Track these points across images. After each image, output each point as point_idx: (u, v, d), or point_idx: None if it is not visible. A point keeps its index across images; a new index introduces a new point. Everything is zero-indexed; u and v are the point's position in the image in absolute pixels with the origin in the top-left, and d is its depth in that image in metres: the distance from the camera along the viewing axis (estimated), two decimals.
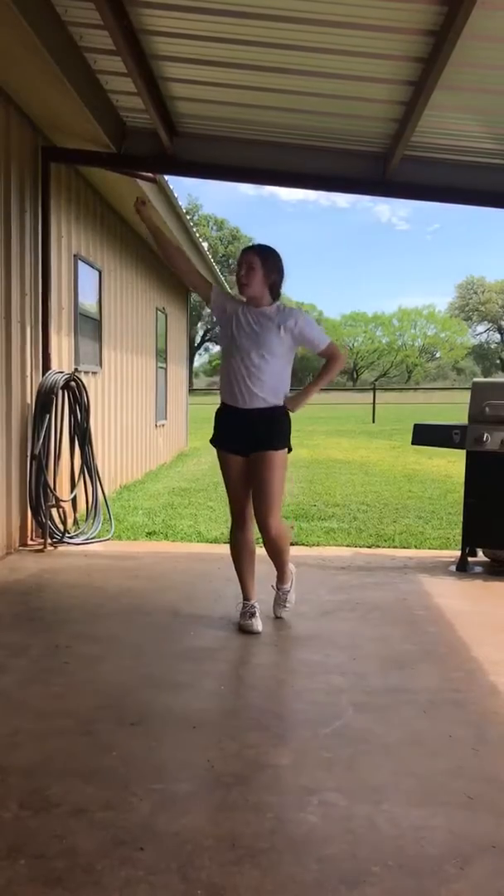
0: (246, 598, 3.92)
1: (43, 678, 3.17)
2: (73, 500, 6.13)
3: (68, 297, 6.64)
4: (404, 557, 5.57)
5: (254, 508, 3.82)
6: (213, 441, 3.92)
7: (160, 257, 3.98)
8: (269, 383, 3.73)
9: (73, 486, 6.14)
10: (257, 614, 3.87)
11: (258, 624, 3.83)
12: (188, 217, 9.38)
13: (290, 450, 3.85)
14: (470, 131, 5.07)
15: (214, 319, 4.03)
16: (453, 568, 5.23)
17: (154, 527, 6.51)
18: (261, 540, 3.89)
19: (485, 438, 5.02)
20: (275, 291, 3.81)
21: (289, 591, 4.08)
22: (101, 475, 6.43)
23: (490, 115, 4.80)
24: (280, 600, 4.07)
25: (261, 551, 3.94)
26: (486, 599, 4.56)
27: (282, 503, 3.91)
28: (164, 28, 4.19)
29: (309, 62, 4.33)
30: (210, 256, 11.71)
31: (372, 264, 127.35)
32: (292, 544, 5.40)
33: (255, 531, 3.94)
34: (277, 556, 3.96)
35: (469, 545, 5.29)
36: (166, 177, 7.28)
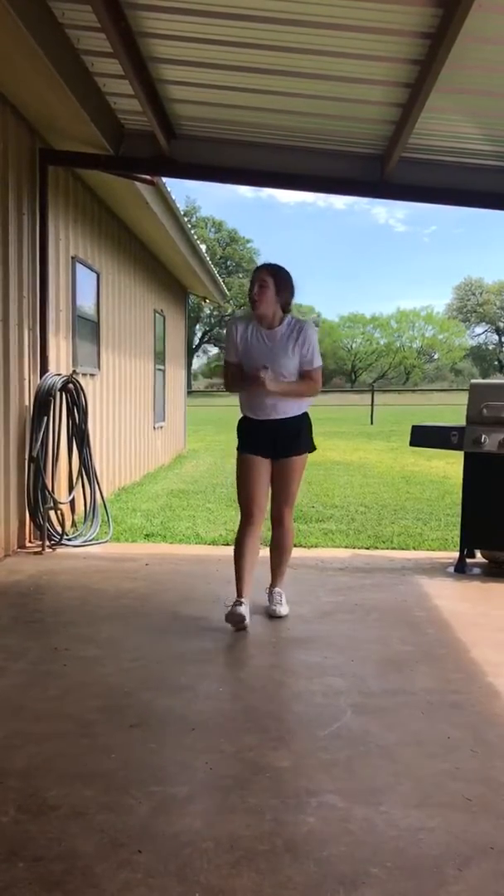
0: (239, 595, 3.91)
1: (41, 681, 3.17)
2: (72, 502, 6.13)
3: (66, 300, 6.64)
4: (403, 559, 5.57)
5: (272, 504, 4.05)
6: (242, 449, 4.04)
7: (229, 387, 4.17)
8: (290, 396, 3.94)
9: (71, 488, 6.14)
10: (246, 604, 3.85)
11: (245, 610, 3.81)
12: (186, 219, 9.39)
13: (314, 448, 4.15)
14: (467, 133, 5.08)
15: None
16: (452, 569, 5.24)
17: (152, 529, 6.51)
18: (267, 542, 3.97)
19: (483, 440, 5.03)
20: (286, 309, 3.98)
21: (283, 594, 4.13)
22: (99, 477, 6.43)
23: (487, 116, 4.81)
24: (275, 599, 4.09)
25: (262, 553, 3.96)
26: (484, 601, 4.56)
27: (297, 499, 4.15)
28: (162, 31, 4.20)
29: (306, 64, 4.34)
30: (208, 258, 11.72)
31: (370, 266, 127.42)
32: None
33: (262, 535, 4.09)
34: (284, 551, 4.12)
35: (467, 547, 5.29)
36: (164, 179, 7.29)
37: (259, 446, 3.99)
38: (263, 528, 4.12)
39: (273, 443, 3.97)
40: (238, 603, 3.86)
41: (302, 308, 63.73)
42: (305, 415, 4.07)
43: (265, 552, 4.23)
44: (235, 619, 3.79)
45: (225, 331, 4.26)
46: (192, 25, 4.07)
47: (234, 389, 4.09)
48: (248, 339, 3.95)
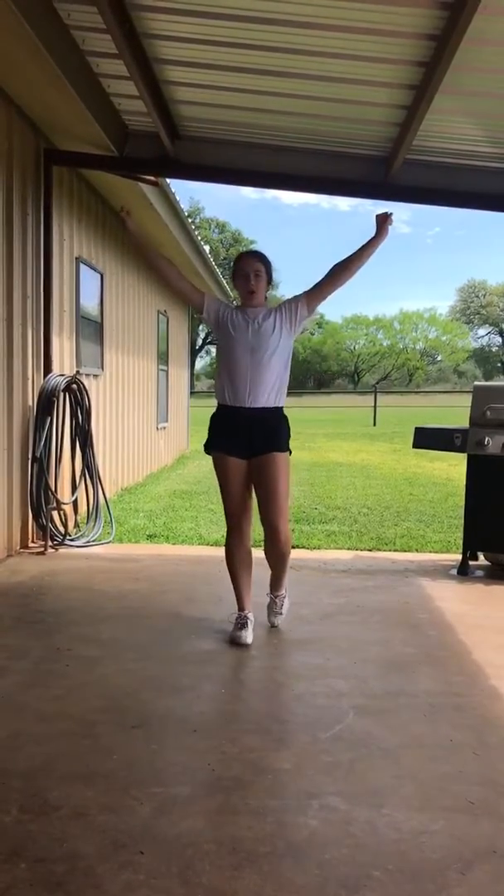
0: (240, 608, 3.82)
1: (44, 681, 3.17)
2: (75, 503, 6.13)
3: (70, 300, 6.64)
4: (405, 561, 5.57)
5: (261, 512, 3.74)
6: (210, 446, 3.79)
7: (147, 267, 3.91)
8: (271, 382, 3.70)
9: (74, 488, 6.14)
10: (249, 626, 3.74)
11: (248, 636, 3.70)
12: (190, 220, 9.39)
13: (290, 451, 3.80)
14: (471, 135, 5.08)
15: (209, 327, 3.95)
16: (454, 571, 5.23)
17: (155, 529, 6.51)
18: (260, 545, 3.85)
19: (486, 442, 5.02)
20: (266, 297, 3.86)
21: (284, 598, 3.98)
22: (102, 478, 6.43)
23: (491, 118, 4.81)
24: (275, 607, 3.97)
25: (258, 555, 3.89)
26: (486, 603, 4.56)
27: (289, 507, 3.86)
28: (167, 32, 4.20)
29: (311, 66, 4.34)
30: (211, 259, 11.72)
31: (373, 267, 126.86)
32: (293, 547, 5.41)
33: (252, 539, 3.90)
34: (282, 562, 3.86)
35: (470, 549, 5.28)
36: (168, 180, 7.29)
37: (233, 443, 3.70)
38: (256, 534, 3.96)
39: (250, 438, 3.68)
40: (241, 621, 3.75)
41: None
42: (284, 415, 3.79)
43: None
44: (240, 643, 3.67)
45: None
46: (198, 27, 4.07)
47: (156, 261, 3.87)
48: (231, 319, 3.75)
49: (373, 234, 3.85)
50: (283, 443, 3.74)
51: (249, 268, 3.76)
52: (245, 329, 3.72)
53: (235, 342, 3.72)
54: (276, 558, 3.84)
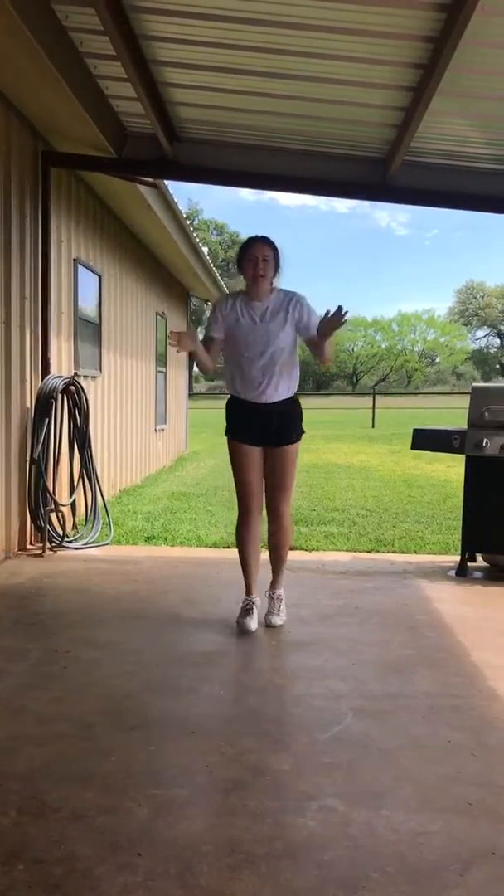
0: (247, 593, 3.96)
1: (42, 683, 3.16)
2: (73, 505, 6.13)
3: (68, 302, 6.64)
4: (404, 562, 5.57)
5: (267, 496, 3.93)
6: (229, 433, 3.92)
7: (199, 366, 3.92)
8: (283, 376, 3.78)
9: (72, 490, 6.14)
10: (254, 612, 3.90)
11: (253, 623, 3.85)
12: (188, 221, 9.40)
13: (303, 432, 3.96)
14: (469, 137, 5.08)
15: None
16: (453, 573, 5.23)
17: (153, 531, 6.50)
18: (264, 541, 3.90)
19: (484, 443, 5.02)
20: (272, 282, 3.85)
21: (282, 599, 4.02)
22: (100, 479, 6.43)
23: (489, 120, 4.82)
24: (274, 608, 4.00)
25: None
26: (485, 604, 4.56)
27: (293, 491, 4.05)
28: (165, 33, 4.20)
29: (308, 67, 4.34)
30: (210, 261, 11.73)
31: (371, 269, 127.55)
32: (292, 548, 5.41)
33: (261, 531, 4.03)
34: (282, 547, 4.02)
35: (468, 550, 5.28)
36: (166, 182, 7.29)
37: (250, 434, 3.85)
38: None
39: (264, 430, 3.82)
40: (247, 606, 3.90)
41: (299, 294, 63.63)
42: (297, 401, 3.91)
43: (264, 553, 4.21)
44: (244, 630, 3.83)
45: (210, 310, 4.09)
46: (195, 28, 4.07)
47: (209, 367, 3.86)
48: (237, 317, 3.79)
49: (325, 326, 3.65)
50: (296, 433, 3.89)
51: (258, 252, 3.75)
52: (253, 327, 3.76)
53: (243, 340, 3.77)
54: (278, 540, 4.00)
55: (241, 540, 3.98)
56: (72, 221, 6.71)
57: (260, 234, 3.85)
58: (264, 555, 4.14)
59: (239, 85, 4.74)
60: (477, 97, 4.47)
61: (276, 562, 4.06)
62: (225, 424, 3.96)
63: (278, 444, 3.85)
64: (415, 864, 1.99)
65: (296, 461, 3.94)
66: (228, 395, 3.96)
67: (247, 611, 3.90)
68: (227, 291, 3.90)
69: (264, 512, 4.02)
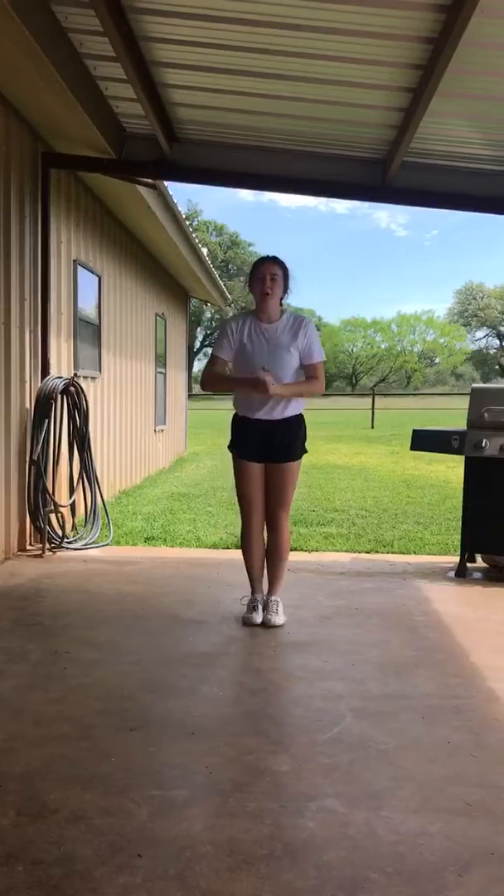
0: (254, 591, 4.09)
1: (42, 684, 3.16)
2: (72, 506, 6.13)
3: (68, 303, 6.64)
4: (403, 563, 5.57)
5: (268, 509, 4.03)
6: (234, 449, 4.03)
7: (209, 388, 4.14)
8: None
9: (71, 491, 6.13)
10: (259, 608, 4.01)
11: (259, 616, 3.97)
12: (188, 222, 9.40)
13: (306, 451, 4.07)
14: (468, 137, 5.09)
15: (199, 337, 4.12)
16: (452, 574, 5.23)
17: (153, 532, 6.50)
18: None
19: (484, 444, 5.02)
20: (282, 302, 3.99)
21: (279, 603, 4.05)
22: (100, 480, 6.42)
23: (488, 121, 4.82)
24: (272, 609, 4.02)
25: None
26: (484, 605, 4.56)
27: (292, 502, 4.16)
28: (164, 35, 4.21)
29: (308, 69, 4.35)
30: (209, 262, 11.73)
31: (371, 270, 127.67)
32: (291, 549, 5.41)
33: (264, 539, 4.12)
34: (280, 557, 4.07)
35: (468, 551, 5.28)
36: (166, 182, 7.30)
37: (254, 450, 3.96)
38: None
39: (268, 446, 3.93)
40: (253, 604, 4.03)
41: (303, 311, 63.68)
42: (302, 418, 4.00)
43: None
44: (249, 623, 3.97)
45: (218, 330, 4.20)
46: (195, 29, 4.07)
47: (218, 388, 4.03)
48: (245, 337, 3.90)
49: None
50: (298, 452, 3.99)
51: (266, 270, 3.88)
52: (261, 348, 3.87)
53: (250, 358, 3.87)
54: (276, 550, 4.06)
55: (247, 551, 4.11)
56: (71, 222, 6.71)
57: (271, 255, 3.97)
58: None
59: (238, 86, 4.75)
60: (476, 98, 4.47)
61: (274, 569, 4.11)
62: (230, 436, 4.06)
63: (280, 461, 3.95)
64: (414, 864, 1.99)
65: (297, 478, 4.04)
66: (234, 412, 4.04)
67: (252, 607, 4.03)
68: (229, 298, 3.97)
69: None
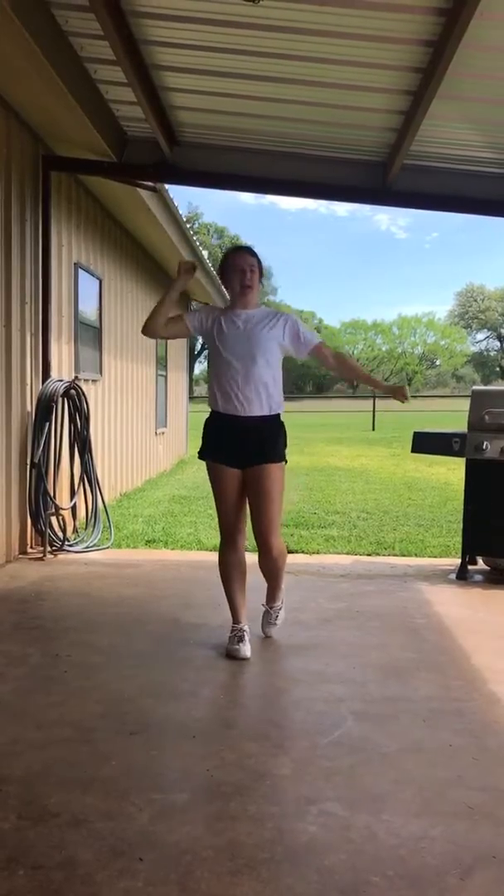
0: (235, 621, 3.68)
1: (42, 687, 3.16)
2: (73, 508, 6.13)
3: (69, 305, 6.65)
4: (404, 565, 5.56)
5: (253, 525, 3.62)
6: (204, 454, 3.67)
7: (147, 328, 3.70)
8: (268, 389, 3.55)
9: (72, 493, 6.13)
10: (246, 639, 3.62)
11: (247, 650, 3.57)
12: (188, 225, 9.41)
13: (285, 461, 3.67)
14: (468, 140, 5.09)
15: (199, 338, 3.87)
16: (453, 576, 5.22)
17: (154, 535, 6.50)
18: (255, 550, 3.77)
19: (484, 446, 5.02)
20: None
21: (280, 609, 3.91)
22: (100, 483, 6.43)
23: (488, 124, 4.83)
24: (270, 618, 3.89)
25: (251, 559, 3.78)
26: (485, 607, 4.55)
27: (281, 519, 3.75)
28: (165, 38, 4.21)
29: (308, 72, 4.35)
30: (210, 265, 11.73)
31: (371, 273, 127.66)
32: (292, 551, 5.40)
33: (246, 548, 3.74)
34: (275, 576, 3.80)
35: (469, 553, 5.28)
36: (166, 185, 7.31)
37: (227, 452, 3.58)
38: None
39: (242, 448, 3.54)
40: (238, 638, 3.60)
41: (303, 314, 63.75)
42: (279, 420, 3.64)
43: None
44: (238, 657, 3.55)
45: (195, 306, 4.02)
46: (195, 33, 4.08)
47: (158, 321, 3.61)
48: (219, 326, 3.59)
49: (388, 388, 3.91)
50: (279, 453, 3.60)
51: (244, 262, 3.60)
52: (236, 334, 3.57)
53: (225, 348, 3.56)
54: (270, 571, 3.77)
55: (223, 564, 3.70)
56: (72, 225, 6.71)
57: (241, 245, 3.76)
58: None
59: (239, 89, 4.75)
60: (476, 101, 4.48)
61: (271, 584, 3.85)
62: (200, 444, 3.70)
63: (257, 463, 3.53)
64: (416, 868, 1.99)
65: (281, 488, 3.60)
66: (209, 412, 3.68)
67: (238, 638, 3.61)
68: (229, 301, 3.78)
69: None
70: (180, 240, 9.31)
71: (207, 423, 3.68)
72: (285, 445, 3.68)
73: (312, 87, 4.55)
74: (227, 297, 3.84)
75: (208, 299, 14.21)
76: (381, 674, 3.38)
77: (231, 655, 3.56)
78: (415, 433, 5.70)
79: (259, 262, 3.71)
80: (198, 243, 10.33)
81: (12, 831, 2.13)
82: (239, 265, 3.61)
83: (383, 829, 2.16)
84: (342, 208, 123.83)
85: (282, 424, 3.67)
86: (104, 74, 4.83)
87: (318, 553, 5.93)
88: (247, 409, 3.53)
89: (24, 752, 2.60)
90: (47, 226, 5.88)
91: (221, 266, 3.71)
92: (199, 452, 3.71)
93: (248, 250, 3.70)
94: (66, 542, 5.76)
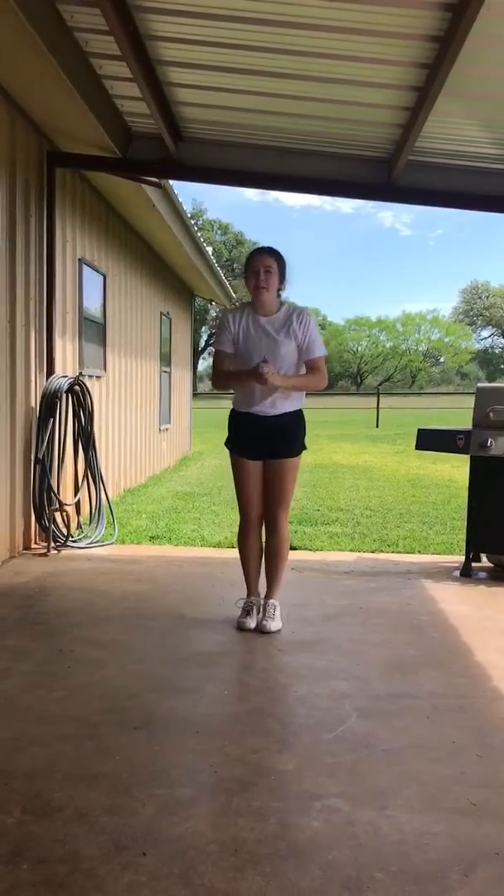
0: (249, 593, 4.00)
1: (46, 682, 3.17)
2: (77, 504, 6.14)
3: (73, 302, 6.65)
4: (408, 563, 5.56)
5: (266, 507, 3.94)
6: (230, 445, 3.95)
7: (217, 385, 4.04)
8: (287, 389, 3.77)
9: (76, 489, 6.14)
10: (254, 612, 3.94)
11: (252, 621, 3.89)
12: (193, 221, 9.40)
13: (304, 448, 3.96)
14: (474, 136, 5.07)
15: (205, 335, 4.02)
16: (457, 573, 5.22)
17: (157, 531, 6.51)
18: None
19: (489, 443, 5.01)
20: (280, 294, 3.85)
21: (276, 606, 3.95)
22: (104, 479, 6.43)
23: (494, 120, 4.81)
24: (269, 613, 3.91)
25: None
26: (489, 605, 4.55)
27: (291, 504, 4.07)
28: (170, 33, 4.20)
29: (313, 67, 4.34)
30: (214, 261, 11.74)
31: (375, 269, 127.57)
32: (295, 548, 5.41)
33: (262, 535, 4.03)
34: (280, 560, 3.97)
35: (473, 550, 5.28)
36: (171, 181, 7.30)
37: (251, 447, 3.86)
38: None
39: (266, 443, 3.83)
40: (247, 607, 3.95)
41: (307, 310, 63.59)
42: (300, 414, 3.90)
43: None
44: (242, 627, 3.89)
45: (218, 322, 4.11)
46: (201, 28, 4.07)
47: (227, 384, 3.89)
48: (244, 331, 3.78)
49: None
50: (297, 447, 3.89)
51: (260, 263, 3.75)
52: (258, 339, 3.76)
53: (249, 351, 3.76)
54: (274, 555, 3.96)
55: (242, 547, 4.05)
56: (76, 221, 6.71)
57: (264, 246, 3.87)
58: None
59: (244, 85, 4.74)
60: (482, 97, 4.46)
61: (272, 570, 3.98)
62: (227, 434, 3.98)
63: (278, 457, 3.85)
64: (419, 864, 1.99)
65: (296, 475, 3.94)
66: (231, 408, 3.96)
67: (247, 611, 3.95)
68: (234, 297, 3.89)
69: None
70: (184, 236, 9.31)
71: (232, 417, 3.95)
72: (304, 436, 3.95)
73: (318, 83, 4.54)
74: (233, 295, 3.94)
75: (211, 294, 14.22)
76: (385, 670, 3.38)
77: (239, 627, 3.88)
78: (419, 430, 5.70)
79: (280, 263, 3.80)
80: (202, 239, 10.32)
81: (17, 825, 2.14)
82: (255, 266, 3.76)
83: (386, 825, 2.16)
84: (346, 205, 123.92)
85: (301, 418, 3.91)
86: (109, 70, 4.82)
87: (321, 550, 5.93)
88: (269, 410, 3.81)
89: (29, 747, 2.60)
90: (52, 222, 5.87)
91: (244, 267, 3.90)
92: (225, 442, 3.97)
93: (268, 251, 3.83)
94: (70, 538, 5.77)
